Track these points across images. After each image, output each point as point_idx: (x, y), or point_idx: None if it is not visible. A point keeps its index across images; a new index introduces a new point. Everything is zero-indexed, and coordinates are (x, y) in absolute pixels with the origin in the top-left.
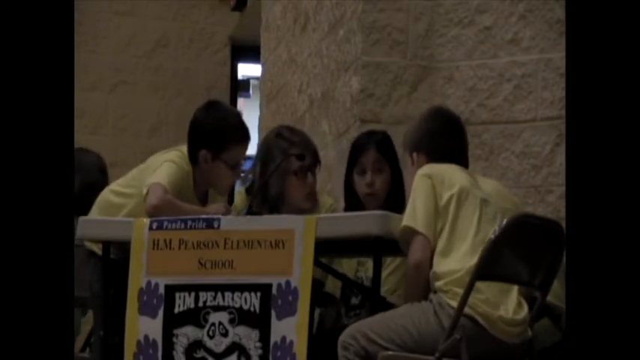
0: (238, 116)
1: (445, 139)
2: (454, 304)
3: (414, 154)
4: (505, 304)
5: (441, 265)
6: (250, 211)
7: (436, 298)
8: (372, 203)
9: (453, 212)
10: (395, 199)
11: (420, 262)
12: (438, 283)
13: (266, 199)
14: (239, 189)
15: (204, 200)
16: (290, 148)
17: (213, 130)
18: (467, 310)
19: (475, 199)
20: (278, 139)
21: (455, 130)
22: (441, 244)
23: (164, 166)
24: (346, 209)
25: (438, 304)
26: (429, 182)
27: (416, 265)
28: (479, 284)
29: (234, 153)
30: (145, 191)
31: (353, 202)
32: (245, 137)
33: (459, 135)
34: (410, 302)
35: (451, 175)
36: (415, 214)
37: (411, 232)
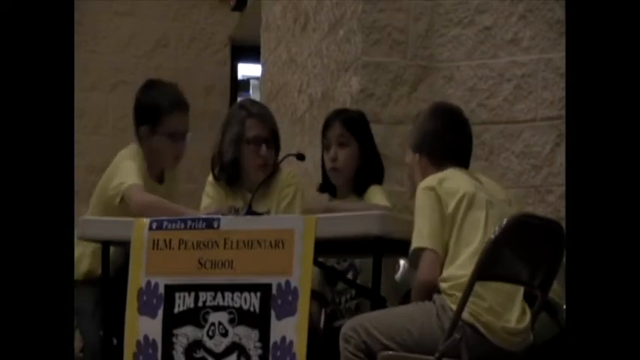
0: (171, 88)
1: (448, 137)
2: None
3: (417, 156)
4: (509, 313)
5: (447, 270)
6: (250, 211)
7: (439, 300)
8: (337, 179)
9: (460, 219)
10: (365, 175)
11: (429, 282)
12: (443, 285)
13: (222, 166)
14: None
15: (160, 181)
16: (247, 117)
17: (147, 105)
18: (469, 318)
19: (481, 202)
20: (238, 109)
21: (457, 127)
22: (449, 252)
23: (125, 166)
24: (320, 188)
25: (440, 307)
26: (431, 194)
27: (424, 284)
28: (483, 291)
29: (170, 123)
30: (119, 197)
31: (326, 180)
32: (177, 105)
33: (461, 132)
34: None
35: (453, 181)
36: (422, 234)
37: (420, 251)
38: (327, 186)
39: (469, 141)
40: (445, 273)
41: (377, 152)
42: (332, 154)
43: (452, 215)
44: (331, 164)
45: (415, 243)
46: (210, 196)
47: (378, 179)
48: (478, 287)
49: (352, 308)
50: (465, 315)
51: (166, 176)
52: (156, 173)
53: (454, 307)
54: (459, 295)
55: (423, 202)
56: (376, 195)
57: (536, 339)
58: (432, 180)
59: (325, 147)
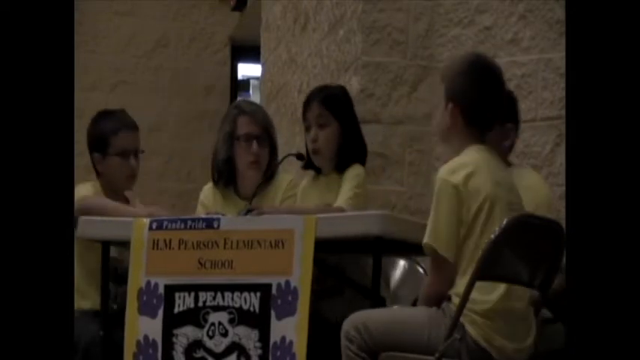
0: (118, 113)
1: (482, 96)
2: (471, 331)
3: (450, 104)
4: (520, 332)
5: (461, 282)
6: (250, 211)
7: (449, 312)
8: (319, 160)
9: (479, 230)
10: (347, 153)
11: (443, 293)
12: (457, 300)
13: (217, 165)
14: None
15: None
16: (238, 116)
17: (96, 134)
18: (482, 342)
19: (502, 208)
20: (232, 109)
21: (493, 86)
22: (464, 259)
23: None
24: (304, 167)
25: (450, 320)
26: (454, 193)
27: (438, 295)
28: (495, 314)
29: (118, 142)
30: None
31: (310, 160)
32: (124, 125)
33: (497, 91)
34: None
35: (478, 178)
36: (437, 232)
37: (434, 254)
38: (311, 164)
39: (502, 100)
40: (460, 286)
41: (358, 128)
42: (312, 136)
43: (472, 220)
44: (312, 146)
45: (429, 239)
46: (204, 204)
47: (361, 156)
48: (491, 312)
49: (337, 290)
50: (477, 337)
51: (132, 203)
52: (120, 200)
53: (467, 326)
54: (475, 317)
55: (444, 198)
56: (348, 180)
57: (549, 346)
58: (457, 174)
59: (305, 128)
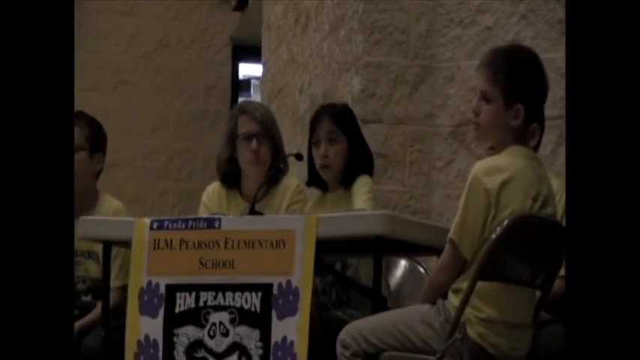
0: None
1: (544, 95)
2: (469, 329)
3: (518, 104)
4: (517, 333)
5: (459, 281)
6: (251, 211)
7: (445, 311)
8: (328, 175)
9: None
10: (354, 168)
11: (445, 285)
12: (452, 298)
13: (220, 166)
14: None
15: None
16: (239, 115)
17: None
18: (478, 339)
19: None
20: (235, 110)
21: (546, 84)
22: (473, 261)
23: None
24: (308, 183)
25: (444, 321)
26: (484, 197)
27: (437, 283)
28: (495, 314)
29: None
30: None
31: (314, 176)
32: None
33: (543, 77)
34: (420, 303)
35: (514, 187)
36: (463, 231)
37: (454, 248)
38: (315, 180)
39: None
40: (459, 282)
41: (365, 144)
42: (322, 151)
43: (494, 227)
44: (321, 161)
45: (454, 234)
46: (206, 206)
47: (368, 170)
48: (491, 311)
49: (343, 299)
50: (474, 335)
51: (101, 199)
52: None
53: (468, 330)
54: (472, 317)
55: (473, 199)
56: (359, 188)
57: (549, 349)
58: (492, 178)
59: (314, 143)
